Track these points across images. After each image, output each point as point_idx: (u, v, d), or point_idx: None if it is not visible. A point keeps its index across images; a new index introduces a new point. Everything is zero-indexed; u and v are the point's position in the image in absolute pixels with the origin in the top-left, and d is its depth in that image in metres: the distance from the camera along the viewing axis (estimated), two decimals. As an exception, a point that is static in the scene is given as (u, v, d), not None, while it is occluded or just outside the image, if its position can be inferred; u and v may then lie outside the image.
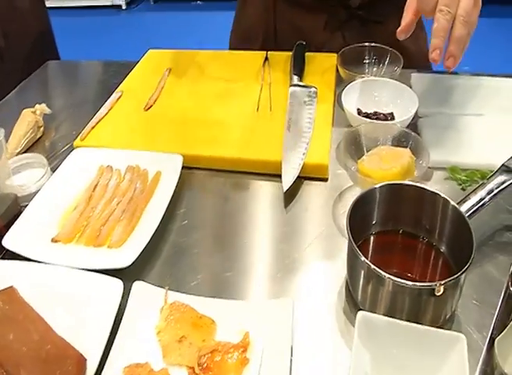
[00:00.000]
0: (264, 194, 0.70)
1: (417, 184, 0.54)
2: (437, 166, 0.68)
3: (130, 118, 0.83)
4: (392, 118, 0.73)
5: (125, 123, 0.82)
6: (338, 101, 0.79)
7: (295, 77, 0.82)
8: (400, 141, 0.65)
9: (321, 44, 0.95)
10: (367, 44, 0.84)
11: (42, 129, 0.86)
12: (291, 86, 0.81)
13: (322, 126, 0.74)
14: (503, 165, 0.56)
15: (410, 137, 0.64)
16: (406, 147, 0.64)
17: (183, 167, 0.72)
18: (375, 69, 0.83)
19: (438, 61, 0.60)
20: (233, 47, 1.09)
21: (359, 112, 0.75)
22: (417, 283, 0.45)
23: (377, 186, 0.52)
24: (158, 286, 0.55)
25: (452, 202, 0.51)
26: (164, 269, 0.60)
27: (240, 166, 0.73)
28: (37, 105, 0.86)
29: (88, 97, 0.97)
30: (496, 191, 0.54)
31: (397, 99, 0.74)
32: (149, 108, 0.85)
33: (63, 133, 0.87)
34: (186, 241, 0.64)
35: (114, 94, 0.89)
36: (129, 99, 0.88)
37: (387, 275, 0.45)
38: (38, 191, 0.69)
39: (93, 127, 0.82)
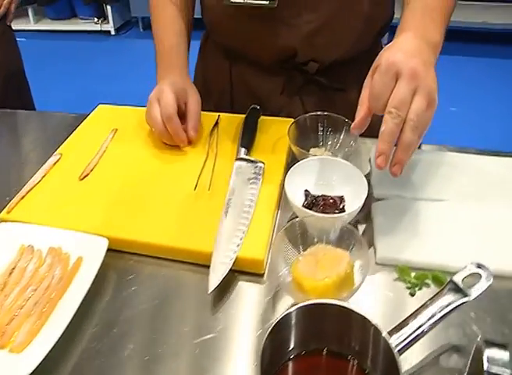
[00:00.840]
0: (197, 289, 0.61)
1: (344, 305, 0.46)
2: (387, 263, 0.61)
3: (63, 188, 0.75)
4: (342, 202, 0.65)
5: (56, 194, 0.74)
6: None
7: (242, 150, 0.74)
8: (342, 239, 0.57)
9: (279, 109, 0.89)
10: (319, 113, 0.76)
11: None
12: (236, 160, 0.74)
13: (265, 212, 0.67)
14: (450, 280, 0.49)
15: (353, 236, 0.56)
16: (348, 248, 0.56)
17: (111, 249, 0.64)
18: (329, 142, 0.76)
19: (383, 167, 0.54)
20: None
21: (307, 194, 0.67)
22: None
23: (292, 310, 0.44)
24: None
25: (382, 333, 0.43)
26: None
27: (171, 254, 0.65)
28: None
29: (31, 155, 0.90)
30: (438, 316, 0.46)
31: (349, 181, 0.66)
32: (84, 177, 0.77)
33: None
34: (99, 346, 0.56)
35: (52, 158, 0.82)
36: (66, 164, 0.80)
37: None
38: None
39: (22, 197, 0.75)
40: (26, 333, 0.57)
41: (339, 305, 0.46)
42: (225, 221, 0.64)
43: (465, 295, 0.47)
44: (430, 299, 0.47)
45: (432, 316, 0.46)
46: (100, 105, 0.95)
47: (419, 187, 0.70)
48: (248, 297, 0.59)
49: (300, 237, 0.58)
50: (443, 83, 0.64)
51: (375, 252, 0.62)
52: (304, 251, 0.58)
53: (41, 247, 0.68)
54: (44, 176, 0.78)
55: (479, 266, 0.48)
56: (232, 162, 0.74)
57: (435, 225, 0.64)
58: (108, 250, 0.65)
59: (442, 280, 0.57)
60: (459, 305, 0.47)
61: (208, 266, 0.60)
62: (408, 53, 0.54)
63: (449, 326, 0.53)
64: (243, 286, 0.61)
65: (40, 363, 0.51)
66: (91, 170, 0.78)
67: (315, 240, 0.58)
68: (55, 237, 0.68)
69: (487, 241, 0.62)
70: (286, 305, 0.57)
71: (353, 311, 0.45)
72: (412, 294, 0.57)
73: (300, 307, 0.44)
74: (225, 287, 0.60)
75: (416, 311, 0.47)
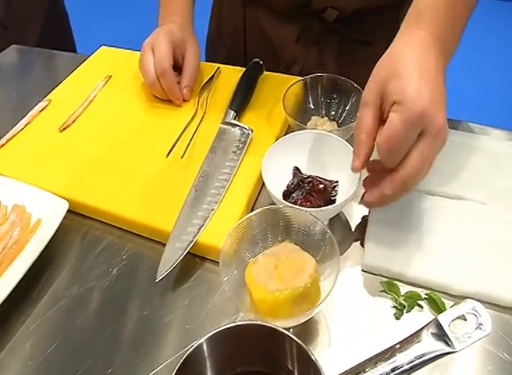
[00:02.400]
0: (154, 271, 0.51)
1: (264, 324, 0.35)
2: (375, 273, 0.47)
3: (42, 140, 0.67)
4: (333, 189, 0.51)
5: (34, 146, 0.67)
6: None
7: (231, 113, 0.61)
8: (313, 239, 0.44)
9: (294, 59, 0.73)
10: (323, 74, 0.60)
11: None
12: (222, 123, 0.61)
13: (241, 190, 0.55)
14: (435, 319, 0.36)
15: (325, 238, 0.43)
16: (317, 251, 0.44)
17: (77, 213, 0.58)
18: (333, 110, 0.60)
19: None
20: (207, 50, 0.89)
21: (295, 173, 0.54)
22: None
23: (202, 340, 0.34)
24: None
25: (310, 354, 0.32)
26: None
27: (133, 228, 0.56)
28: None
29: (27, 96, 0.83)
30: (406, 368, 0.34)
31: (345, 165, 0.52)
32: (64, 129, 0.69)
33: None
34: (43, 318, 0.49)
35: (39, 104, 0.74)
36: (52, 112, 0.72)
37: None
38: None
39: (1, 146, 0.68)
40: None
41: (259, 324, 0.35)
42: (192, 196, 0.54)
43: (448, 344, 0.34)
44: (401, 342, 0.35)
45: (398, 368, 0.34)
46: (102, 47, 0.84)
47: (434, 177, 0.52)
48: (204, 288, 0.49)
49: (268, 229, 0.47)
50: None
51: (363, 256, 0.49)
52: (267, 247, 0.46)
53: (7, 203, 0.61)
54: (27, 124, 0.71)
55: (475, 308, 0.34)
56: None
57: (445, 232, 0.48)
58: (74, 214, 0.59)
59: (440, 305, 0.43)
60: (438, 356, 0.34)
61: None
62: (433, 96, 0.41)
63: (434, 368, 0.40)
64: (201, 274, 0.51)
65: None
66: (73, 122, 0.69)
67: (281, 237, 0.46)
68: (21, 194, 0.61)
69: (510, 262, 0.46)
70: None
71: (274, 329, 0.35)
72: (397, 318, 0.44)
73: (213, 335, 0.34)
74: (182, 273, 0.51)
75: (379, 355, 0.35)
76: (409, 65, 0.42)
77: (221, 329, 0.36)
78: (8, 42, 0.97)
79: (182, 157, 0.58)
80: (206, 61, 0.84)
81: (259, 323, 0.36)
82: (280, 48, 0.74)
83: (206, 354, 0.34)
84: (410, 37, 0.45)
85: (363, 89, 0.45)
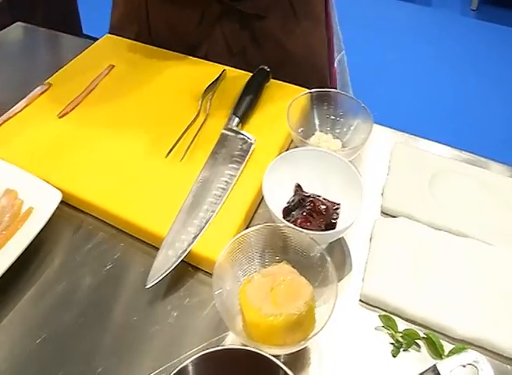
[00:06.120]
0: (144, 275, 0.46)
1: (252, 349, 0.31)
2: (372, 304, 0.43)
3: (40, 125, 0.61)
4: (335, 212, 0.47)
5: (31, 130, 0.61)
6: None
7: (235, 119, 0.56)
8: (311, 264, 0.41)
9: (198, 41, 0.72)
10: (329, 89, 0.56)
11: None
12: (224, 129, 0.57)
13: (239, 200, 0.50)
14: (434, 367, 0.33)
15: (323, 265, 0.40)
16: (315, 277, 0.40)
17: (70, 206, 0.53)
18: (338, 128, 0.56)
19: None
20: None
21: (297, 190, 0.50)
22: None
23: (187, 362, 0.30)
24: None
25: None
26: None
27: (125, 227, 0.51)
28: None
29: (28, 77, 0.76)
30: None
31: (347, 188, 0.48)
32: (63, 115, 0.63)
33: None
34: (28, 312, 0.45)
35: (39, 87, 0.68)
36: (52, 96, 0.66)
37: None
38: None
39: (-2, 126, 0.62)
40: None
41: (247, 350, 0.32)
42: (188, 202, 0.49)
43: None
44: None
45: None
46: (107, 35, 0.77)
47: (441, 212, 0.49)
48: (195, 299, 0.45)
49: (266, 247, 0.43)
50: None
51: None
52: (264, 266, 0.42)
53: (0, 186, 0.56)
54: (26, 106, 0.65)
55: (478, 361, 0.31)
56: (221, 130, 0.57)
57: (448, 270, 0.44)
58: (67, 205, 0.54)
59: (438, 348, 0.39)
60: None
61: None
62: None
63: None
64: (193, 285, 0.46)
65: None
66: (72, 109, 0.63)
67: (284, 257, 0.42)
68: (14, 179, 0.56)
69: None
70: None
71: (266, 357, 0.31)
72: (394, 356, 0.40)
73: (200, 356, 0.31)
74: (173, 281, 0.46)
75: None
76: None
77: (208, 351, 0.33)
78: (14, 20, 0.89)
79: (181, 159, 0.53)
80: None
81: (253, 349, 0.33)
82: (184, 32, 0.71)
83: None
84: None
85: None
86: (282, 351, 0.38)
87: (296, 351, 0.38)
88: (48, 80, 0.69)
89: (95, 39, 0.79)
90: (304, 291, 0.38)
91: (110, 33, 0.79)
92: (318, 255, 0.41)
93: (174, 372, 0.31)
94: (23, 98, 0.65)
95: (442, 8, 2.64)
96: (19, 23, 0.90)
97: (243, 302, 0.39)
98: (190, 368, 0.32)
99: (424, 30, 2.46)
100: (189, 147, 0.55)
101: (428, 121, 1.85)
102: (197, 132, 0.57)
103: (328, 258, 0.39)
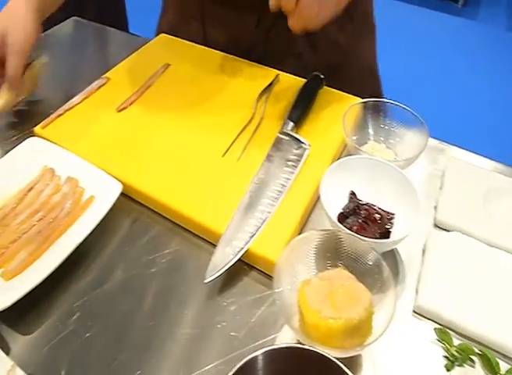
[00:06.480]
0: (200, 271, 0.47)
1: (321, 352, 0.32)
2: (426, 316, 0.44)
3: (98, 117, 0.63)
4: (390, 221, 0.48)
5: (90, 121, 0.63)
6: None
7: (290, 124, 0.57)
8: (370, 271, 0.42)
9: (253, 44, 0.72)
10: (386, 101, 0.56)
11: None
12: (280, 133, 0.58)
13: (295, 204, 0.51)
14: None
15: (381, 272, 0.41)
16: (373, 285, 0.41)
17: (131, 199, 0.55)
18: (391, 138, 0.57)
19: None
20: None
21: (351, 197, 0.50)
22: None
23: (258, 353, 0.31)
24: None
25: None
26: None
27: (182, 222, 0.53)
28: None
29: (81, 70, 0.78)
30: None
31: (402, 198, 0.48)
32: (121, 110, 0.65)
33: (40, 109, 0.70)
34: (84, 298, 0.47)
35: (98, 80, 0.70)
36: (110, 91, 0.68)
37: None
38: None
39: (59, 116, 0.65)
40: (19, 263, 0.50)
41: (316, 352, 0.33)
42: (246, 201, 0.51)
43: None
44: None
45: None
46: (162, 35, 0.79)
47: (495, 228, 0.48)
48: (250, 297, 0.46)
49: (324, 251, 0.44)
50: None
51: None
52: (320, 270, 0.43)
53: (62, 173, 0.59)
54: (85, 99, 0.67)
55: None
56: (276, 134, 0.58)
57: (505, 286, 0.44)
58: (125, 197, 0.55)
59: (494, 367, 0.39)
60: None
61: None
62: None
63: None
64: (248, 283, 0.47)
65: (19, 299, 0.44)
66: (130, 104, 0.65)
67: (340, 262, 0.43)
68: (76, 167, 0.58)
69: None
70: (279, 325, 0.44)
71: (331, 360, 0.33)
72: (448, 369, 0.40)
73: (269, 350, 0.32)
74: (229, 278, 0.47)
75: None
76: None
77: (279, 346, 0.34)
78: (67, 15, 0.92)
79: (238, 159, 0.55)
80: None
81: (320, 351, 0.34)
82: (239, 36, 0.72)
83: (259, 368, 0.32)
84: None
85: None
86: (339, 355, 0.39)
87: (351, 357, 0.39)
88: (105, 75, 0.71)
89: (144, 38, 0.81)
90: (364, 297, 0.39)
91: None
92: (376, 262, 0.41)
93: (245, 360, 0.32)
94: (76, 91, 0.68)
95: (487, 23, 2.60)
96: (74, 17, 0.93)
97: (302, 303, 0.40)
98: (260, 359, 0.33)
99: (468, 44, 2.44)
100: (245, 147, 0.56)
101: (468, 134, 1.84)
102: (253, 134, 0.58)
103: (386, 267, 0.40)
